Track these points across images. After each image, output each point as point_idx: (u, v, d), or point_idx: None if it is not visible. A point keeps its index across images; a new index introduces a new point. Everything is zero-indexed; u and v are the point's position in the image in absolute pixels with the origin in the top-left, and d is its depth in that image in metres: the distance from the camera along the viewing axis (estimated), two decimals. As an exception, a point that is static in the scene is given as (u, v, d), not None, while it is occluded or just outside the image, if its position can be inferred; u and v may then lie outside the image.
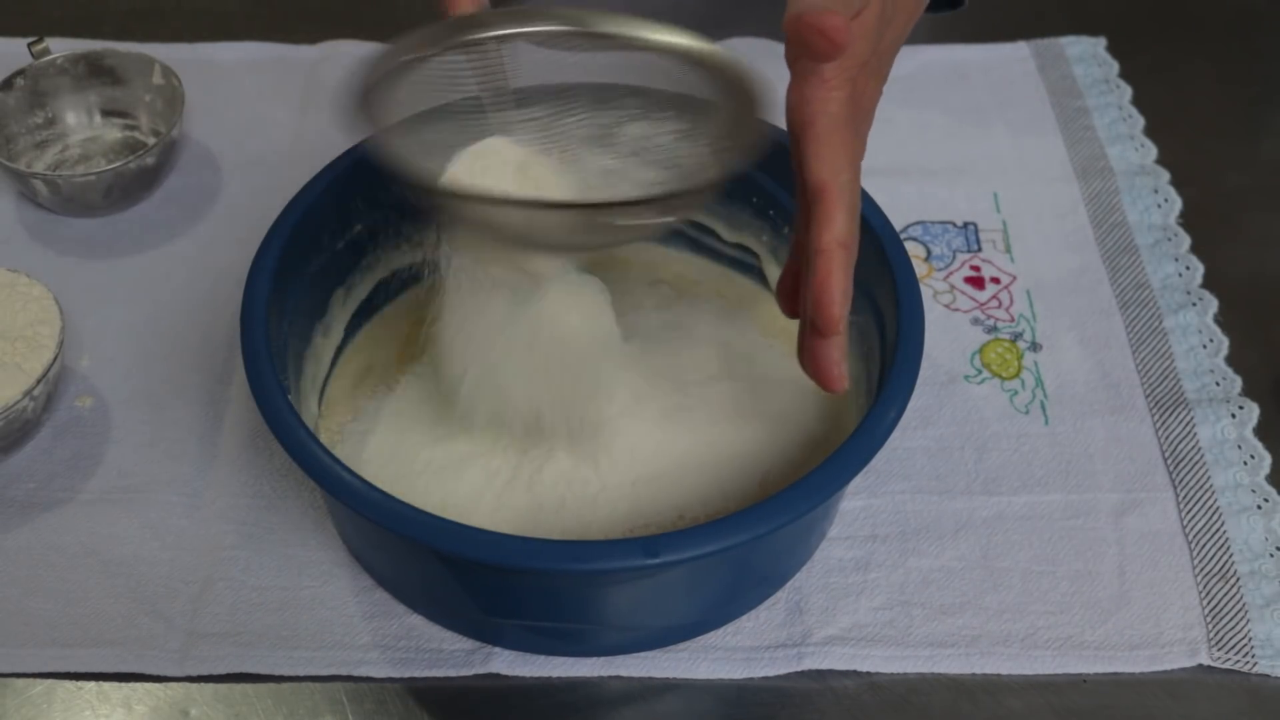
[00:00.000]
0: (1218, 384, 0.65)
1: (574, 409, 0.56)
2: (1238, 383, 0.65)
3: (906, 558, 0.59)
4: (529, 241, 0.49)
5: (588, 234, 0.48)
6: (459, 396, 0.56)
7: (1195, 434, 0.63)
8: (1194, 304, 0.68)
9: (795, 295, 0.51)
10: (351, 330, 0.64)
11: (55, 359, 0.60)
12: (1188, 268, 0.70)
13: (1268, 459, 0.62)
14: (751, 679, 0.55)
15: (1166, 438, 0.63)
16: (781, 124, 0.47)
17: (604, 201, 0.48)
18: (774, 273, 0.65)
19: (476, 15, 0.52)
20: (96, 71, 0.74)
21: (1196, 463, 0.62)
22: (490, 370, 0.55)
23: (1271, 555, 0.59)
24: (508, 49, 0.52)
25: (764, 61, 0.83)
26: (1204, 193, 0.74)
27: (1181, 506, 0.61)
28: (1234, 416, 0.63)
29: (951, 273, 0.70)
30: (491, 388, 0.55)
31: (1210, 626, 0.57)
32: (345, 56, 0.82)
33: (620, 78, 0.52)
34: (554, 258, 0.53)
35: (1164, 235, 0.72)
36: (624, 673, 0.55)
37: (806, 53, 0.44)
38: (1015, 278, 0.70)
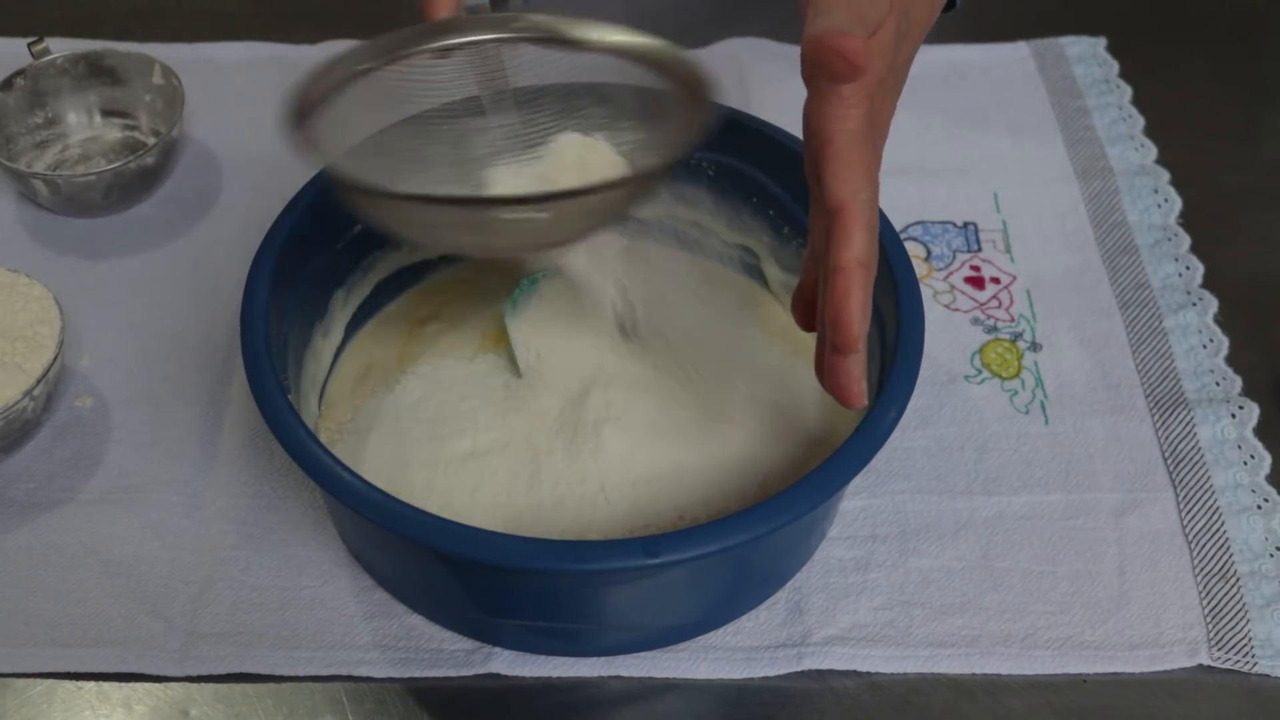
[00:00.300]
0: (1218, 384, 0.65)
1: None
2: (1238, 383, 0.65)
3: (906, 558, 0.59)
4: (472, 242, 0.50)
5: (533, 234, 0.49)
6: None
7: (1195, 434, 0.63)
8: (1194, 304, 0.68)
9: (810, 309, 0.51)
10: (351, 330, 0.64)
11: (55, 359, 0.60)
12: (1188, 268, 0.70)
13: (1268, 459, 0.62)
14: (751, 679, 0.55)
15: (1166, 438, 0.63)
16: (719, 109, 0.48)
17: (542, 195, 0.48)
18: (773, 273, 0.65)
19: (448, 21, 0.52)
20: (96, 71, 0.74)
21: (1196, 463, 0.62)
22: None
23: (1271, 555, 0.59)
24: (482, 53, 0.52)
25: (764, 61, 0.83)
26: (1204, 193, 0.74)
27: (1181, 506, 0.61)
28: (1234, 416, 0.63)
29: (951, 273, 0.70)
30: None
31: (1210, 626, 0.57)
32: (345, 56, 0.82)
33: (591, 84, 0.53)
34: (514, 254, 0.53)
35: (1164, 235, 0.72)
36: (624, 673, 0.55)
37: (825, 74, 0.44)
38: (1015, 278, 0.70)
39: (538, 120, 0.54)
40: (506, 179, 0.54)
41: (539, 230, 0.48)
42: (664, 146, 0.50)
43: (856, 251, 0.44)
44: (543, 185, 0.52)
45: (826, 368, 0.47)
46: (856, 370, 0.46)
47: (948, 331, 0.67)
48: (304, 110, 0.49)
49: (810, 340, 0.52)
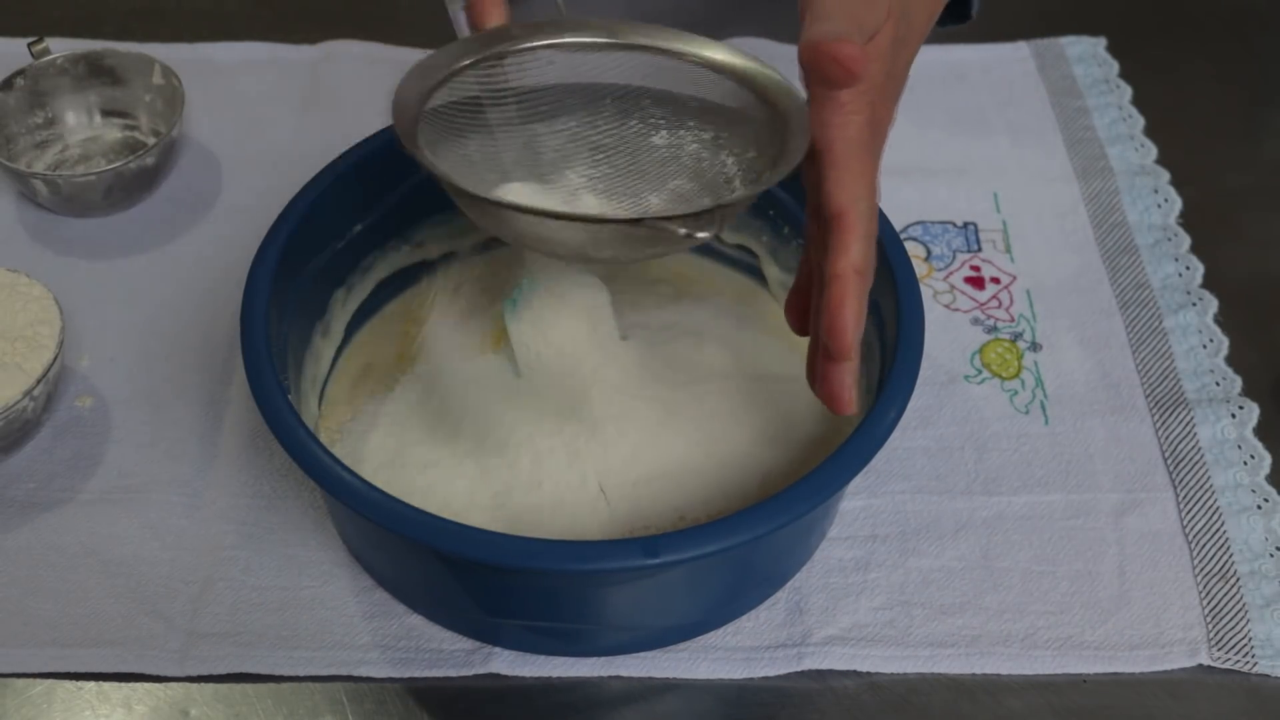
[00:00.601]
0: (1218, 384, 0.65)
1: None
2: (1238, 383, 0.65)
3: (906, 558, 0.59)
4: (572, 252, 0.50)
5: (618, 248, 0.48)
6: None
7: (1195, 434, 0.63)
8: (1194, 304, 0.68)
9: (804, 314, 0.51)
10: (351, 330, 0.64)
11: (55, 359, 0.60)
12: (1188, 268, 0.70)
13: (1268, 459, 0.62)
14: (751, 679, 0.55)
15: (1166, 438, 0.63)
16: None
17: (636, 218, 0.48)
18: (773, 273, 0.65)
19: (505, 28, 0.52)
20: (96, 71, 0.74)
21: (1196, 463, 0.62)
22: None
23: (1271, 555, 0.59)
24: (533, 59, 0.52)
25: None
26: (1204, 193, 0.74)
27: (1181, 506, 0.61)
28: (1234, 416, 0.63)
29: (951, 273, 0.70)
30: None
31: (1210, 626, 0.57)
32: (345, 56, 0.82)
33: (644, 84, 0.52)
34: (591, 267, 0.53)
35: (1164, 235, 0.72)
36: (624, 673, 0.55)
37: (822, 80, 0.44)
38: (1015, 278, 0.70)
39: (597, 122, 0.53)
40: (586, 190, 0.53)
41: (636, 245, 0.47)
42: (739, 150, 0.50)
43: (854, 259, 0.44)
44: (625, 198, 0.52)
45: (819, 374, 0.47)
46: (849, 378, 0.46)
47: (948, 331, 0.67)
48: (409, 115, 0.48)
49: (796, 334, 0.52)
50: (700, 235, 0.46)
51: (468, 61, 0.51)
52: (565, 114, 0.53)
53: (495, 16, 0.52)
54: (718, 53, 0.50)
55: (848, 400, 0.47)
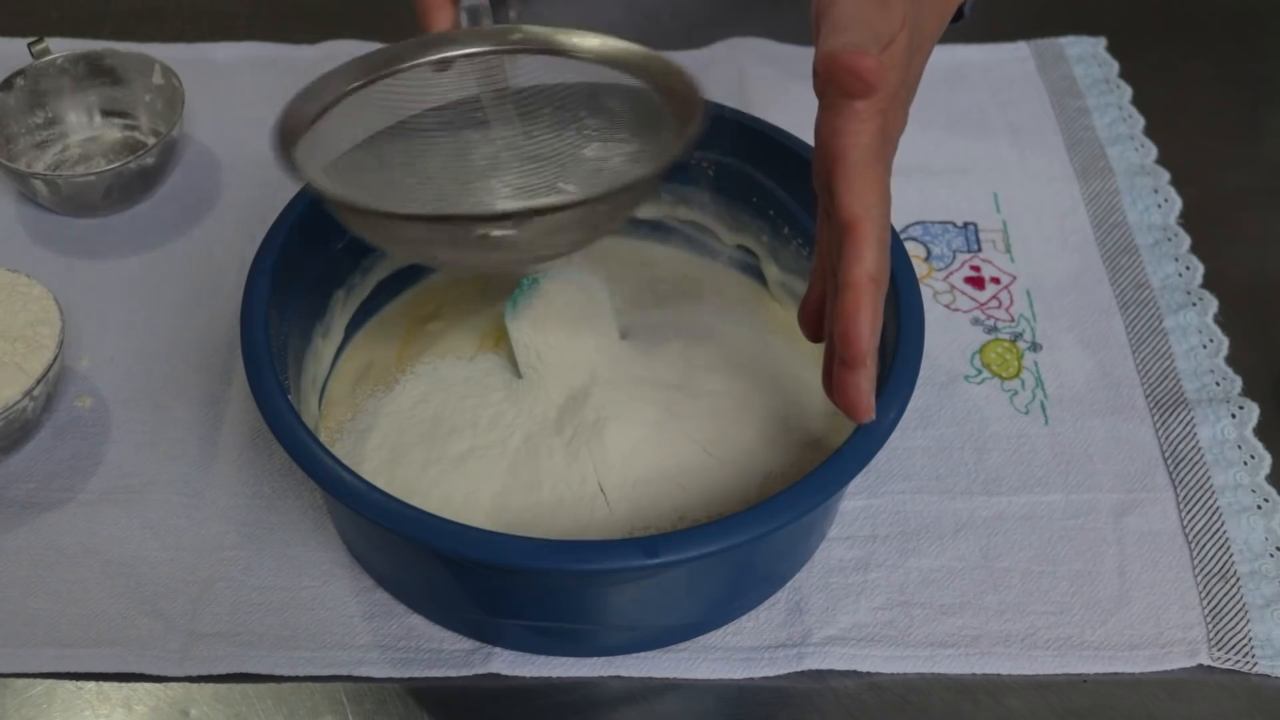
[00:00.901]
0: (1218, 384, 0.65)
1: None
2: (1238, 383, 0.65)
3: (906, 558, 0.59)
4: (466, 258, 0.50)
5: (517, 249, 0.48)
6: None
7: (1195, 434, 0.63)
8: (1194, 304, 0.68)
9: (817, 322, 0.51)
10: (351, 330, 0.64)
11: (55, 359, 0.60)
12: (1188, 268, 0.70)
13: (1268, 459, 0.62)
14: (751, 679, 0.55)
15: (1166, 438, 0.63)
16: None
17: (523, 209, 0.48)
18: (773, 273, 0.65)
19: (443, 34, 0.53)
20: (96, 71, 0.74)
21: (1196, 463, 0.62)
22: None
23: (1271, 555, 0.59)
24: (474, 66, 0.53)
25: (763, 62, 0.83)
26: (1204, 193, 0.74)
27: (1181, 506, 0.61)
28: (1234, 416, 0.63)
29: (951, 273, 0.70)
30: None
31: (1210, 626, 0.57)
32: (345, 56, 0.81)
33: (583, 95, 0.53)
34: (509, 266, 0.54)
35: (1164, 235, 0.72)
36: (624, 673, 0.55)
37: (839, 91, 0.44)
38: (1015, 278, 0.70)
39: (535, 132, 0.54)
40: (505, 195, 0.54)
41: (525, 246, 0.47)
42: (653, 157, 0.50)
43: (868, 267, 0.44)
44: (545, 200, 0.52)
45: (835, 382, 0.47)
46: (865, 385, 0.46)
47: (948, 331, 0.67)
48: (295, 130, 0.49)
49: (810, 341, 0.53)
50: (573, 236, 0.47)
51: (360, 83, 0.52)
52: (475, 125, 0.53)
53: (443, 21, 0.53)
54: (598, 42, 0.51)
55: (865, 407, 0.47)
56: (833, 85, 0.44)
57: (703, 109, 0.48)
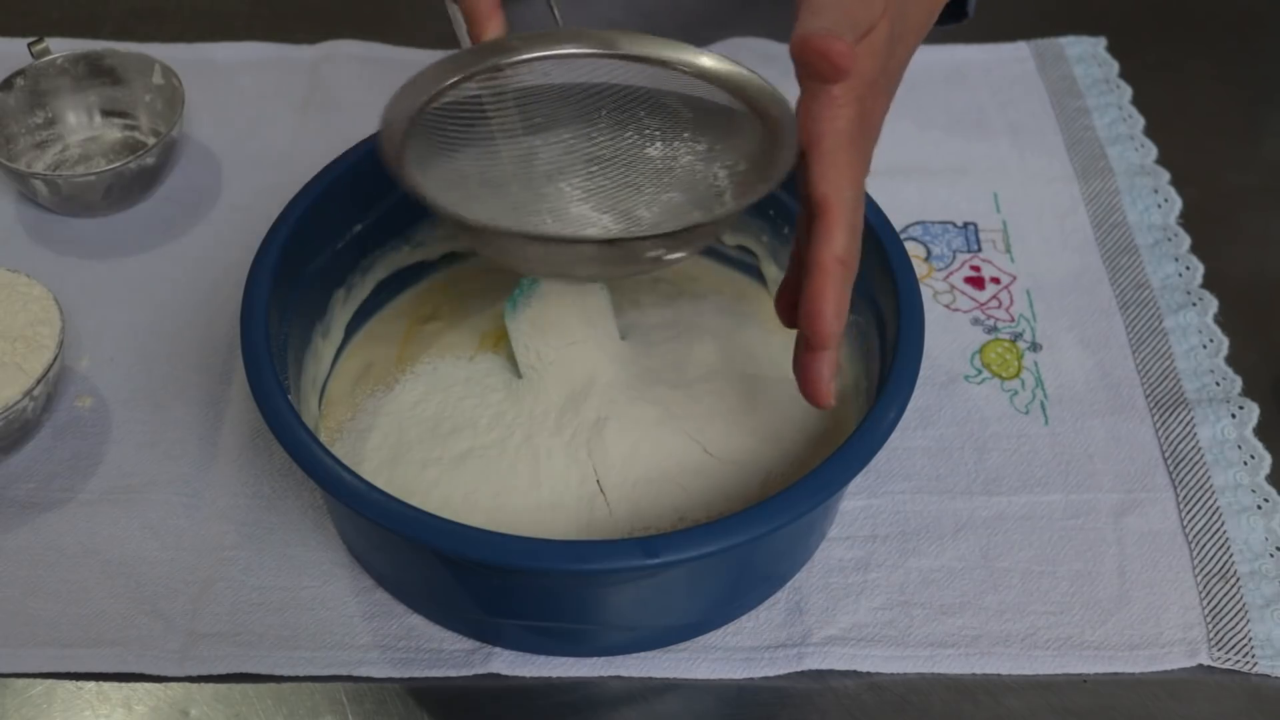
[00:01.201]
0: (1218, 384, 0.65)
1: None
2: (1238, 383, 0.65)
3: (906, 558, 0.59)
4: (557, 271, 0.50)
5: (614, 265, 0.48)
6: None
7: (1195, 434, 0.63)
8: (1194, 304, 0.68)
9: (792, 306, 0.51)
10: (351, 330, 0.64)
11: (55, 359, 0.60)
12: (1188, 268, 0.70)
13: (1268, 459, 0.62)
14: (751, 679, 0.55)
15: (1166, 438, 0.63)
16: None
17: (629, 236, 0.48)
18: (773, 272, 0.65)
19: (501, 40, 0.51)
20: (96, 71, 0.74)
21: (1196, 463, 0.62)
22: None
23: (1271, 555, 0.59)
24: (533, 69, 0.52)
25: (763, 62, 0.83)
26: (1204, 193, 0.74)
27: (1181, 506, 0.61)
28: (1234, 416, 0.63)
29: (951, 273, 0.70)
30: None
31: (1210, 626, 0.57)
32: (345, 56, 0.82)
33: (640, 95, 0.52)
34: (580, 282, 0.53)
35: (1164, 235, 0.72)
36: (624, 673, 0.55)
37: (811, 74, 0.44)
38: (1015, 278, 0.70)
39: (592, 134, 0.53)
40: (577, 199, 0.53)
41: (623, 261, 0.47)
42: (730, 162, 0.50)
43: (836, 250, 0.44)
44: (618, 217, 0.52)
45: (799, 365, 0.47)
46: (827, 370, 0.46)
47: (948, 331, 0.67)
48: (400, 154, 0.48)
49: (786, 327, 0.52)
50: (673, 257, 0.46)
51: (459, 77, 0.50)
52: (560, 126, 0.52)
53: (493, 28, 0.52)
54: (709, 61, 0.50)
55: (824, 392, 0.46)
56: (805, 69, 0.44)
57: (795, 134, 0.46)
